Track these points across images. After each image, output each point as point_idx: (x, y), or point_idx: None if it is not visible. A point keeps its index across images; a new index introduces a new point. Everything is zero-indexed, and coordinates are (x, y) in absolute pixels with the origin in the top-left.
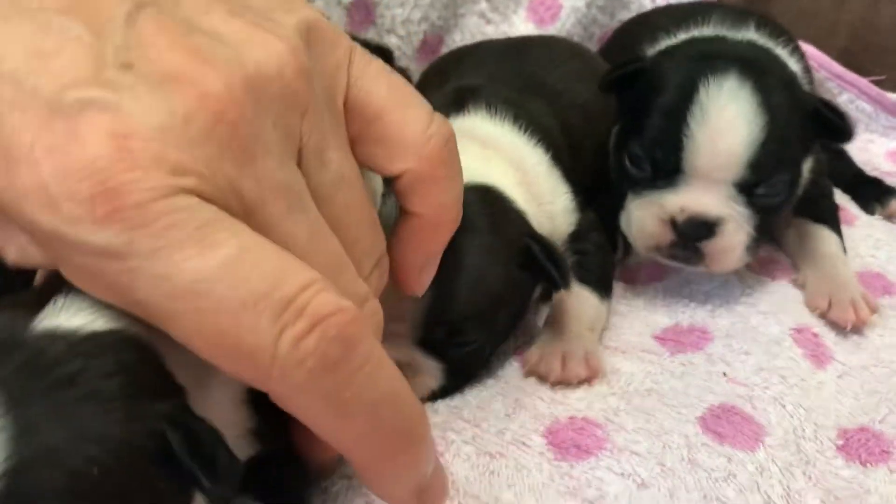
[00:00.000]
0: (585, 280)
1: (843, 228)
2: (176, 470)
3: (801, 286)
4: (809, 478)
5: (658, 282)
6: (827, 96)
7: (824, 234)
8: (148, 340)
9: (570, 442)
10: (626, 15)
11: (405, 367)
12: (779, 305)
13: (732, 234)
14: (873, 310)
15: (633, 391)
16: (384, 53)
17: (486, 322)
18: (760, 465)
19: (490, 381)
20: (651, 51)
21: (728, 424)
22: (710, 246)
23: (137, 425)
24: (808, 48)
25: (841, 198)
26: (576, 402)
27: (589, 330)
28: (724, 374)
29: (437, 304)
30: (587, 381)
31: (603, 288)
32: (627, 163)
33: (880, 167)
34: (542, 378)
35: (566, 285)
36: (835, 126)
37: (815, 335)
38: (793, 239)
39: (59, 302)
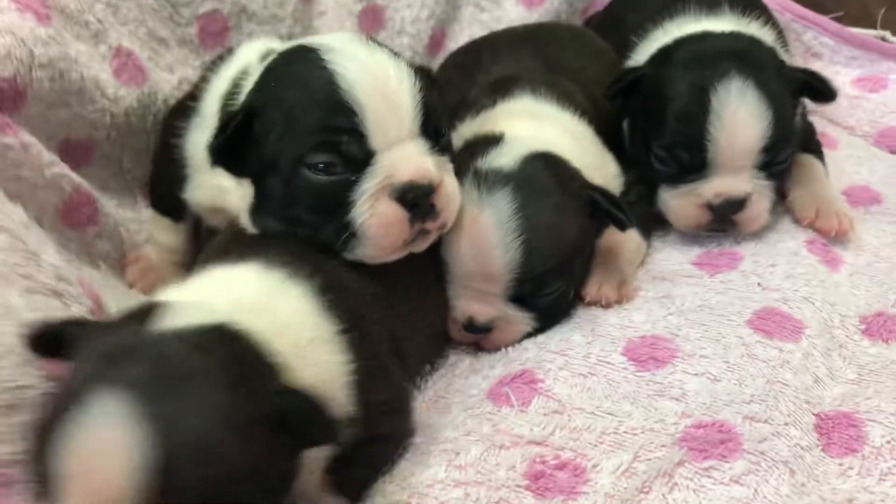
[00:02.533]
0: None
1: (827, 151)
2: (289, 432)
3: (791, 204)
4: (845, 358)
5: None
6: (792, 36)
7: (811, 161)
8: (246, 331)
9: (647, 355)
10: None
11: (499, 320)
12: (790, 224)
13: (758, 203)
14: (852, 224)
15: (686, 309)
16: (427, 73)
17: (565, 271)
18: (805, 351)
19: (564, 320)
20: (638, 40)
21: (773, 323)
22: (742, 217)
23: (257, 404)
24: None
25: (820, 123)
26: (641, 324)
27: (629, 263)
28: (759, 283)
29: (523, 262)
30: (617, 303)
31: (644, 230)
32: (654, 161)
33: (848, 93)
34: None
35: (632, 223)
36: (824, 91)
37: (825, 244)
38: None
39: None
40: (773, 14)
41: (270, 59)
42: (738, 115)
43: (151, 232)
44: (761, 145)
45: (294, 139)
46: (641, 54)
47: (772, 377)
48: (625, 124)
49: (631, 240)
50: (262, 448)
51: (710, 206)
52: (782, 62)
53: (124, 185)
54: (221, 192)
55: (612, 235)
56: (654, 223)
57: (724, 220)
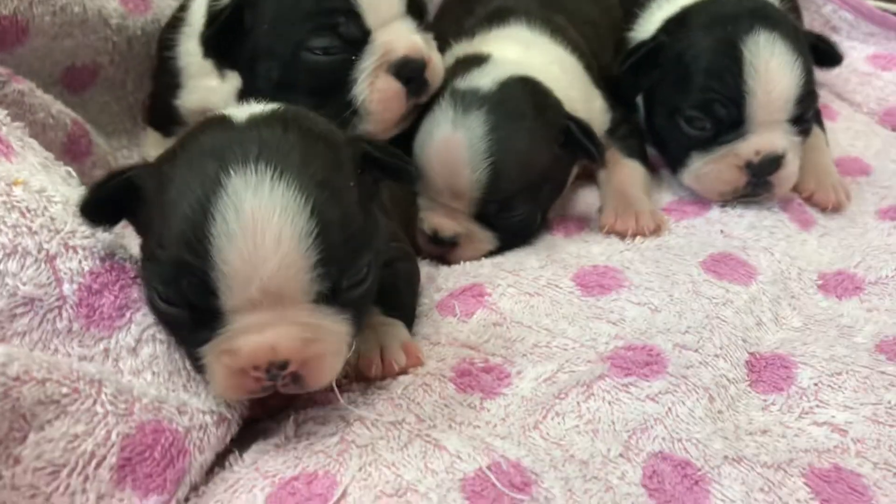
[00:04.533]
0: (632, 155)
1: (827, 123)
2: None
3: None
4: (794, 308)
5: (663, 168)
6: (811, 8)
7: (814, 129)
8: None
9: (595, 282)
10: None
11: (464, 236)
12: None
13: (793, 161)
14: (848, 195)
15: (644, 247)
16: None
17: (532, 196)
18: (753, 295)
19: (525, 245)
20: (639, 10)
21: (726, 266)
22: (778, 176)
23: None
24: None
25: (826, 96)
26: (598, 255)
27: (646, 193)
28: (722, 231)
29: (489, 184)
30: (655, 231)
31: (645, 159)
32: (685, 125)
33: (860, 69)
34: (620, 234)
35: (601, 158)
36: (831, 54)
37: (801, 204)
38: None
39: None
40: None
41: None
42: (772, 65)
43: (144, 149)
44: (796, 95)
45: (291, 25)
46: (643, 25)
47: (712, 313)
48: (639, 100)
49: (639, 172)
50: None
51: (748, 166)
52: (793, 19)
53: (126, 107)
54: (210, 92)
55: (621, 171)
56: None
57: (760, 181)
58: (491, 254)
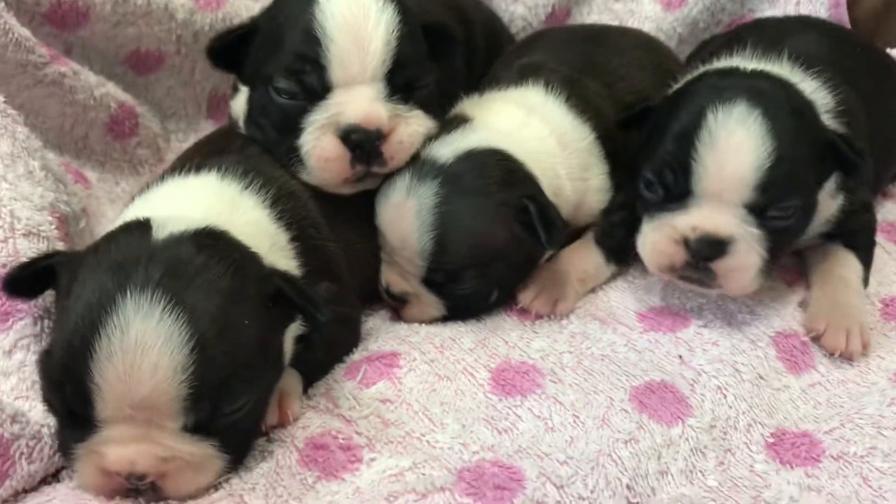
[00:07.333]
0: (601, 244)
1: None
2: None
3: (804, 306)
4: (721, 463)
5: None
6: None
7: (848, 260)
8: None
9: (509, 381)
10: (756, 3)
11: (413, 296)
12: (776, 310)
13: (744, 254)
14: (866, 345)
15: (589, 354)
16: (446, 33)
17: (482, 272)
18: (670, 439)
19: (473, 320)
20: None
21: (657, 399)
22: (722, 265)
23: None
24: None
25: None
26: (534, 351)
27: (581, 280)
28: (680, 357)
29: (435, 255)
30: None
31: (613, 254)
32: (642, 187)
33: None
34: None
35: (551, 245)
36: (848, 159)
37: (804, 343)
38: (816, 260)
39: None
40: (857, 80)
41: None
42: (734, 138)
43: None
44: (756, 179)
45: (272, 59)
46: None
47: (606, 449)
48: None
49: (587, 259)
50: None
51: (685, 243)
52: (810, 110)
53: (191, 94)
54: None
55: (567, 252)
56: (627, 253)
57: (700, 266)
58: (442, 319)
